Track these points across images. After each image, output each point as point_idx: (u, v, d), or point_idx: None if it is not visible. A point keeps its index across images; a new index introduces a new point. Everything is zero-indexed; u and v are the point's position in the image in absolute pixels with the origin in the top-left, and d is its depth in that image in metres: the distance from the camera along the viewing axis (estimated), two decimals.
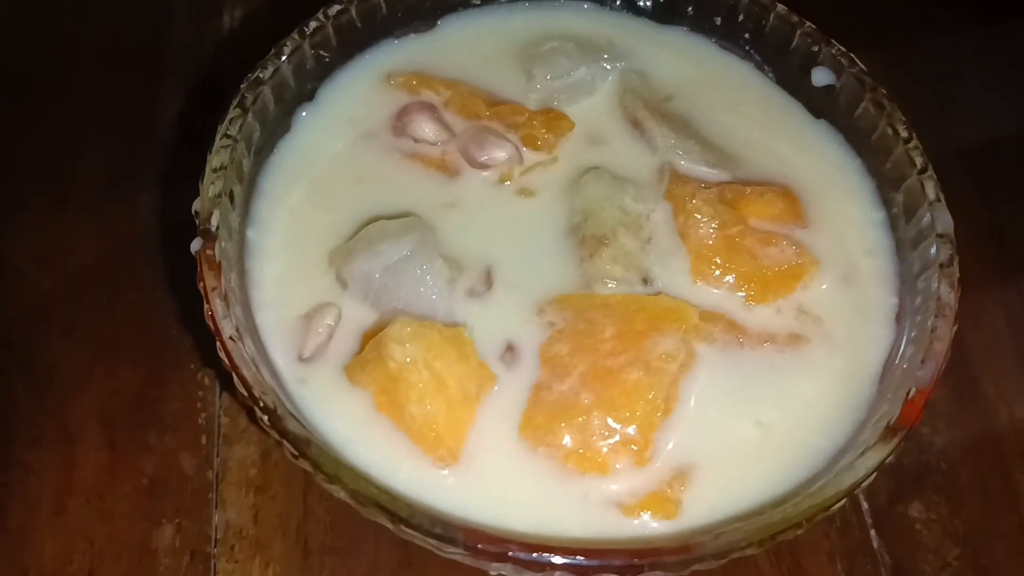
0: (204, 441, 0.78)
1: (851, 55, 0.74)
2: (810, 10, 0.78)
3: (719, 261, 0.67)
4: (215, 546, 0.74)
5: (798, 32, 0.75)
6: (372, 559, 0.73)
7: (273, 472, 0.77)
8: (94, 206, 0.89)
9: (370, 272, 0.64)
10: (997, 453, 0.82)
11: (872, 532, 0.77)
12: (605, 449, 0.60)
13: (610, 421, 0.60)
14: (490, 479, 0.61)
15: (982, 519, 0.78)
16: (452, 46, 0.79)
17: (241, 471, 0.77)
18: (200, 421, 0.79)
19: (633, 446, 0.60)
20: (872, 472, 0.57)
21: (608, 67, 0.77)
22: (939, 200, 0.66)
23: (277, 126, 0.73)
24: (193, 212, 0.64)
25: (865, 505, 0.78)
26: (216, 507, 0.75)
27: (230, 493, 0.76)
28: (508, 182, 0.72)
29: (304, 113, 0.74)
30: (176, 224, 0.70)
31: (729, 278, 0.67)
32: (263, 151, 0.71)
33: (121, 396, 0.80)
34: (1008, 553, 0.77)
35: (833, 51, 0.74)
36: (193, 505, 0.75)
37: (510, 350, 0.65)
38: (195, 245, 0.62)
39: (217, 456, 0.77)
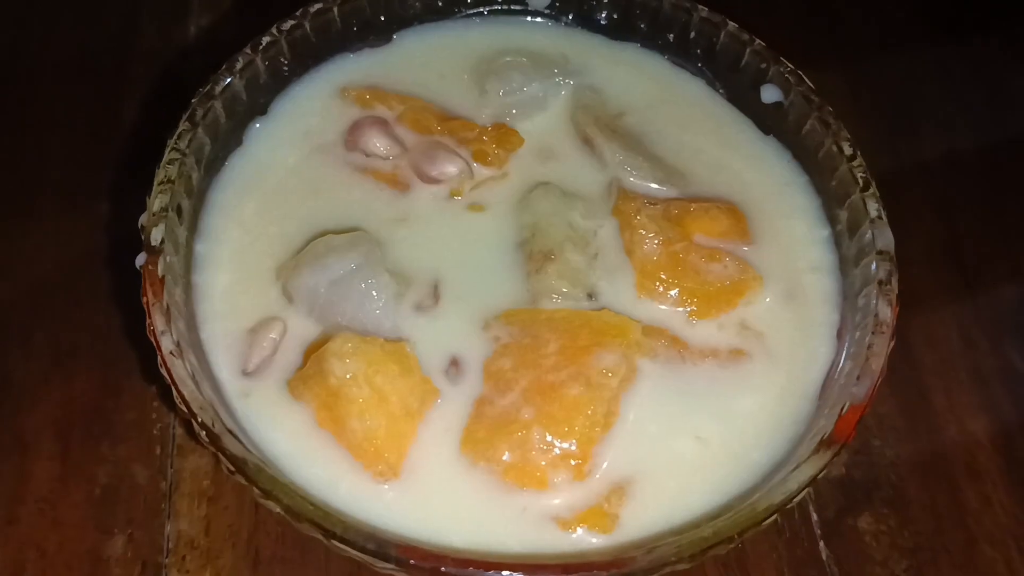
0: (158, 451, 0.79)
1: (799, 72, 0.74)
2: (771, 27, 0.79)
3: (663, 277, 0.68)
4: (167, 556, 0.74)
5: (748, 50, 0.76)
6: (322, 570, 0.74)
7: (225, 483, 0.77)
8: (55, 215, 0.89)
9: (315, 286, 0.65)
10: (947, 468, 0.82)
11: (821, 544, 0.78)
12: (544, 463, 0.61)
13: (549, 436, 0.61)
14: (430, 494, 0.61)
15: (930, 533, 0.79)
16: (407, 61, 0.79)
17: (194, 482, 0.77)
18: (154, 432, 0.79)
19: (572, 461, 0.61)
20: (804, 487, 0.57)
21: (561, 83, 0.78)
22: (880, 218, 0.67)
23: (229, 140, 0.73)
24: (139, 226, 0.64)
25: (815, 517, 0.79)
26: (168, 517, 0.75)
27: (182, 504, 0.76)
28: (458, 197, 0.73)
29: (257, 126, 0.75)
30: (134, 234, 0.70)
31: (673, 293, 0.68)
32: (214, 165, 0.72)
33: (76, 406, 0.80)
34: (955, 567, 0.78)
35: (782, 69, 0.74)
36: (145, 515, 0.76)
37: (455, 365, 0.66)
38: (139, 259, 0.62)
39: (171, 467, 0.78)
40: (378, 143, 0.73)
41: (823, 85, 0.75)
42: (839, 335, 0.68)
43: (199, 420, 0.57)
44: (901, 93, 1.05)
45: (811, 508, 0.79)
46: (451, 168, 0.72)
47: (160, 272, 0.61)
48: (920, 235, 0.95)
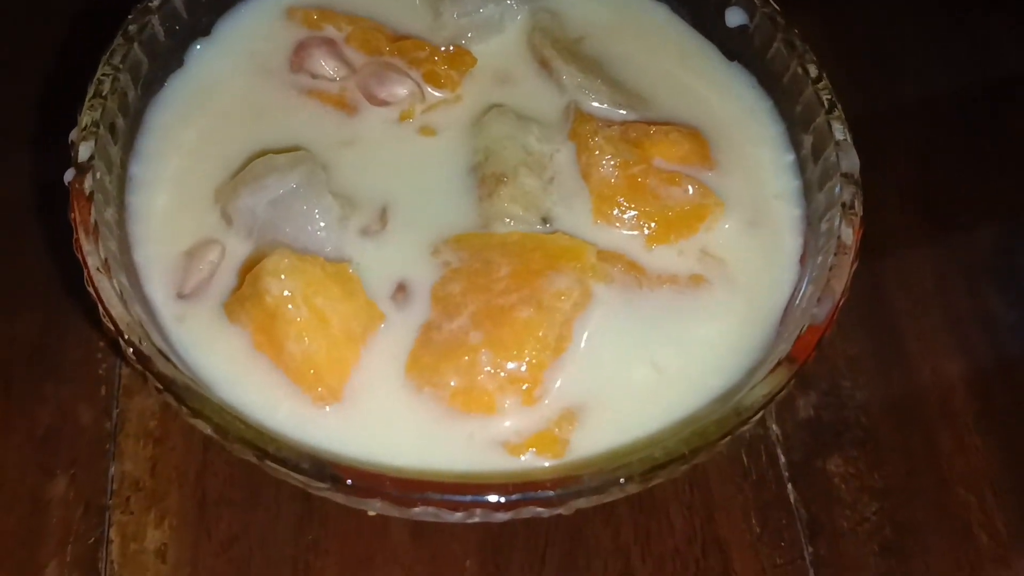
0: (103, 392, 0.76)
1: None
2: None
3: (621, 201, 0.66)
4: (110, 498, 0.72)
5: None
6: (272, 511, 0.72)
7: (172, 424, 0.75)
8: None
9: (254, 206, 0.62)
10: (920, 411, 0.80)
11: (789, 487, 0.76)
12: (492, 388, 0.58)
13: (499, 359, 0.58)
14: (373, 419, 0.59)
15: (902, 475, 0.77)
16: None
17: (140, 422, 0.75)
18: (99, 372, 0.77)
19: (522, 384, 0.59)
20: (760, 407, 0.55)
21: (516, 6, 0.75)
22: (846, 140, 0.65)
23: (168, 60, 0.70)
24: (70, 141, 0.61)
25: (782, 460, 0.77)
26: (112, 458, 0.73)
27: (128, 444, 0.74)
28: (409, 120, 0.70)
29: (198, 47, 0.72)
30: None
31: (630, 217, 0.66)
32: (152, 86, 0.69)
33: (18, 345, 0.78)
34: (927, 509, 0.76)
35: None
36: (89, 456, 0.73)
37: (401, 290, 0.63)
38: (68, 175, 0.59)
39: (116, 407, 0.75)
40: (325, 64, 0.70)
41: (799, 27, 0.72)
42: (802, 261, 0.66)
43: (125, 338, 0.54)
44: (878, 36, 1.02)
45: (779, 450, 0.77)
46: (401, 90, 0.69)
47: (88, 189, 0.58)
48: (894, 179, 0.93)
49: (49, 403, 0.75)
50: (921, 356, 0.83)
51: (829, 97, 0.66)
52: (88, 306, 0.76)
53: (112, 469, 0.72)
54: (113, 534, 0.70)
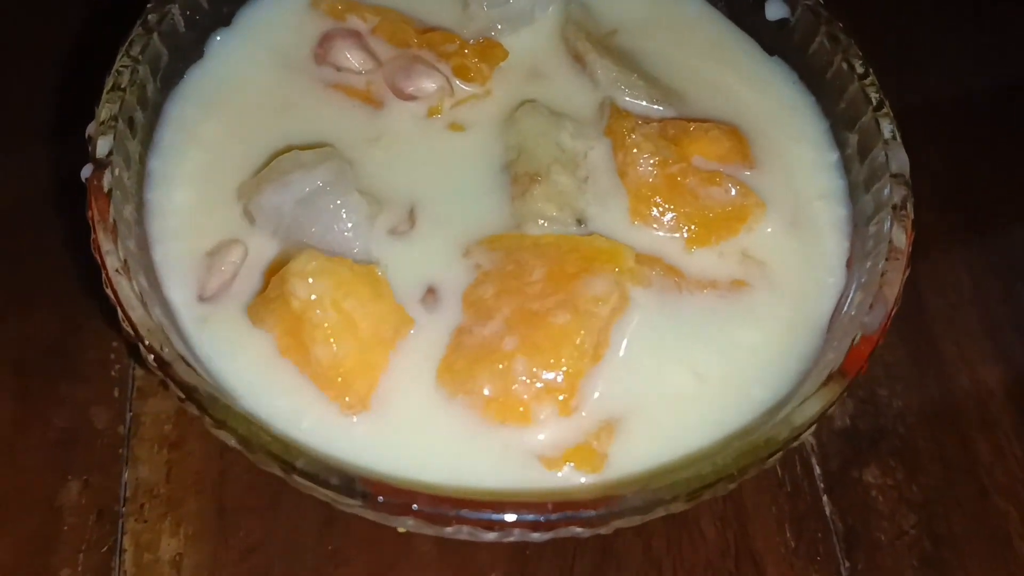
0: (117, 394, 0.74)
1: None
2: None
3: (659, 201, 0.63)
4: (123, 504, 0.69)
5: None
6: (293, 519, 0.69)
7: (188, 428, 0.72)
8: (16, 147, 0.83)
9: (280, 205, 0.59)
10: (957, 418, 0.78)
11: (824, 498, 0.74)
12: (527, 397, 0.56)
13: (534, 367, 0.56)
14: (403, 428, 0.56)
15: (940, 486, 0.75)
16: None
17: (155, 426, 0.72)
18: (113, 373, 0.75)
19: (558, 395, 0.56)
20: (811, 422, 0.52)
21: None
22: (895, 138, 0.62)
23: (188, 51, 0.67)
24: (87, 136, 0.59)
25: (817, 470, 0.75)
26: (127, 464, 0.71)
27: (142, 449, 0.71)
28: (438, 115, 0.67)
29: (219, 38, 0.69)
30: None
31: (669, 219, 0.63)
32: (172, 78, 0.66)
33: (34, 344, 0.75)
34: (966, 521, 0.74)
35: None
36: (103, 461, 0.71)
37: (431, 293, 0.60)
38: (85, 171, 0.57)
39: (130, 410, 0.73)
40: (351, 56, 0.67)
41: None
42: (848, 265, 0.64)
43: (146, 344, 0.51)
44: (906, 28, 1.00)
45: (814, 460, 0.75)
46: (429, 84, 0.67)
47: (106, 186, 0.56)
48: (926, 176, 0.89)
49: (64, 405, 0.73)
50: (958, 362, 0.81)
51: (877, 94, 0.64)
52: (104, 305, 0.74)
53: (126, 474, 0.70)
54: (127, 542, 0.68)
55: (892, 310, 0.57)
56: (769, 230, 0.64)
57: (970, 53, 0.99)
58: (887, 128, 0.62)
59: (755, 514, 0.72)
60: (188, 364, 0.52)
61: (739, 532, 0.71)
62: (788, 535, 0.71)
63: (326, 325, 0.54)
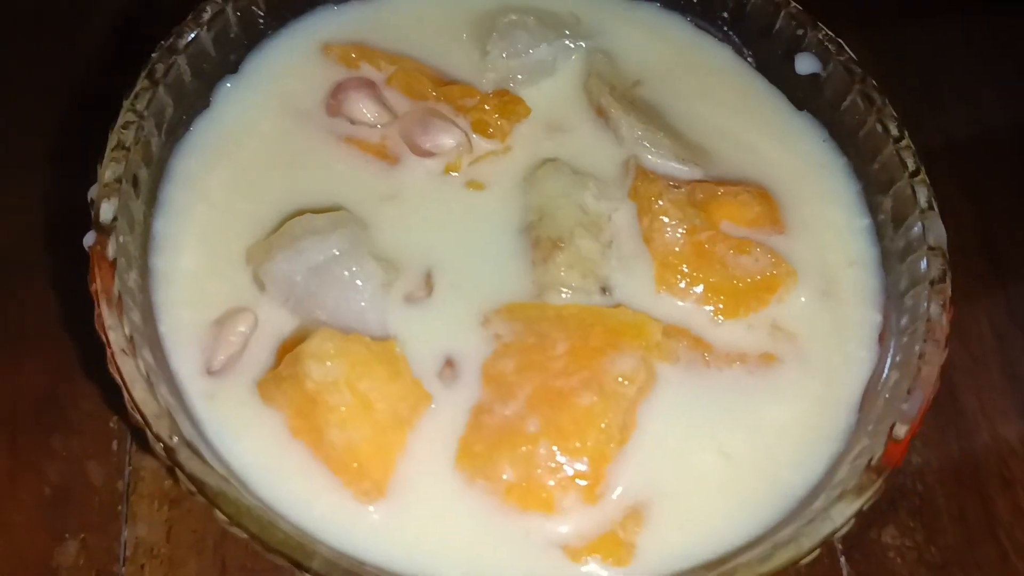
0: (115, 447, 0.71)
1: (839, 40, 0.67)
2: None
3: (686, 270, 0.61)
4: (123, 565, 0.67)
5: (782, 13, 0.68)
6: None
7: None
8: (2, 192, 0.80)
9: (291, 273, 0.57)
10: (978, 476, 0.77)
11: (842, 560, 0.72)
12: (551, 483, 0.53)
13: (557, 452, 0.54)
14: (421, 516, 0.54)
15: (960, 547, 0.73)
16: (399, 15, 0.71)
17: (155, 482, 0.70)
18: (110, 425, 0.72)
19: (583, 481, 0.54)
20: (849, 520, 0.50)
21: (572, 45, 0.70)
22: (932, 208, 0.60)
23: (194, 101, 0.64)
24: (88, 200, 0.56)
25: None
26: (126, 522, 0.68)
27: (141, 506, 0.69)
28: (455, 173, 0.65)
29: (227, 86, 0.66)
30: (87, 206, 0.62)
31: (697, 289, 0.60)
32: (177, 129, 0.63)
33: (24, 395, 0.73)
34: None
35: (820, 36, 0.67)
36: (100, 519, 0.69)
37: (450, 365, 0.58)
38: (88, 239, 0.54)
39: (128, 465, 0.71)
40: (365, 108, 0.64)
41: None
42: (881, 339, 0.61)
43: (154, 431, 0.49)
44: (926, 64, 0.98)
45: None
46: (447, 140, 0.64)
47: (111, 255, 0.53)
48: (948, 220, 0.87)
49: (57, 459, 0.70)
50: (979, 417, 0.79)
51: (913, 159, 0.62)
52: (97, 353, 0.72)
53: (125, 533, 0.68)
54: None
55: (931, 395, 0.54)
56: (802, 300, 0.62)
57: (996, 90, 0.96)
58: (923, 196, 0.60)
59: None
60: (196, 451, 0.49)
61: None
62: None
63: (342, 408, 0.52)
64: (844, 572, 0.71)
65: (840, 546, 0.72)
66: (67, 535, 0.67)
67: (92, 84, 0.84)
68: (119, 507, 0.69)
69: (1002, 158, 0.93)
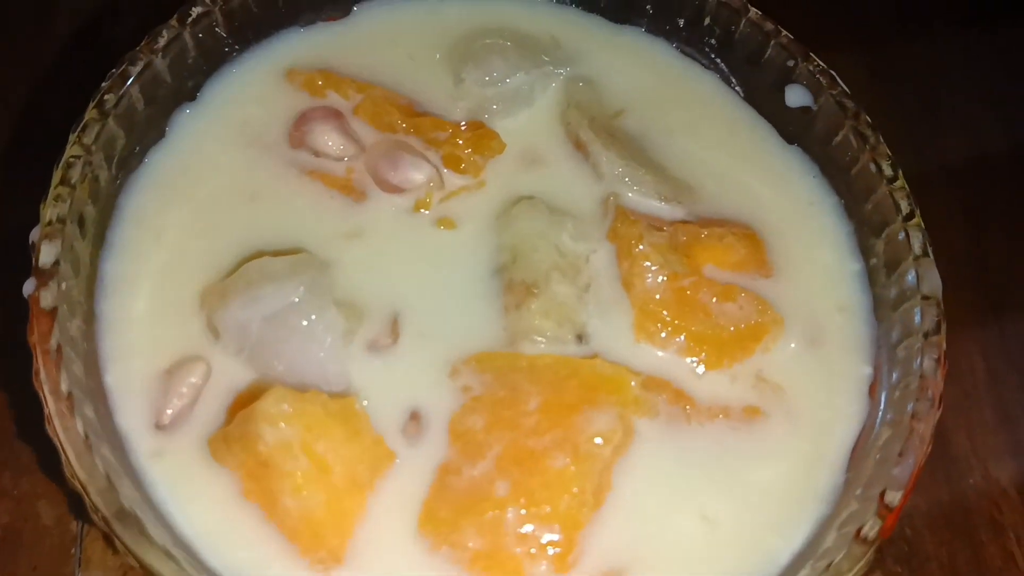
0: (68, 487, 0.67)
1: (832, 73, 0.64)
2: (784, 5, 0.69)
3: (667, 317, 0.58)
4: None
5: (772, 42, 0.65)
6: None
7: None
8: None
9: (247, 322, 0.53)
10: (968, 520, 0.75)
11: None
12: (519, 551, 0.51)
13: (528, 518, 0.51)
14: None
15: None
16: (369, 39, 0.68)
17: None
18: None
19: (554, 549, 0.51)
20: None
21: (551, 72, 0.67)
22: (927, 255, 0.57)
23: (147, 130, 0.61)
24: (30, 243, 0.52)
25: None
26: (79, 566, 0.65)
27: (95, 550, 0.66)
28: (425, 210, 0.62)
29: (186, 112, 0.63)
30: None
31: (679, 339, 0.58)
32: (129, 161, 0.60)
33: None
34: None
35: (811, 67, 0.64)
36: (51, 563, 0.65)
37: (415, 420, 0.55)
38: (27, 287, 0.51)
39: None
40: (330, 140, 0.61)
41: (839, 69, 0.66)
42: (871, 392, 0.58)
43: (91, 500, 0.45)
44: (924, 84, 0.95)
45: None
46: (417, 175, 0.61)
47: (50, 304, 0.50)
48: (943, 248, 0.85)
49: (7, 498, 0.67)
50: (971, 458, 0.77)
51: (908, 202, 0.59)
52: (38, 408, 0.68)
53: None
54: None
55: (923, 457, 0.52)
56: (792, 346, 0.59)
57: (996, 111, 0.94)
58: (917, 242, 0.58)
59: None
60: (137, 521, 0.46)
61: None
62: None
63: (297, 473, 0.49)
64: None
65: None
66: None
67: (52, 91, 0.81)
68: (72, 550, 0.66)
69: (1000, 183, 0.91)
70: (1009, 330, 0.83)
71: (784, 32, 0.65)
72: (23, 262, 0.54)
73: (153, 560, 0.44)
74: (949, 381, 0.79)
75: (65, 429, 0.47)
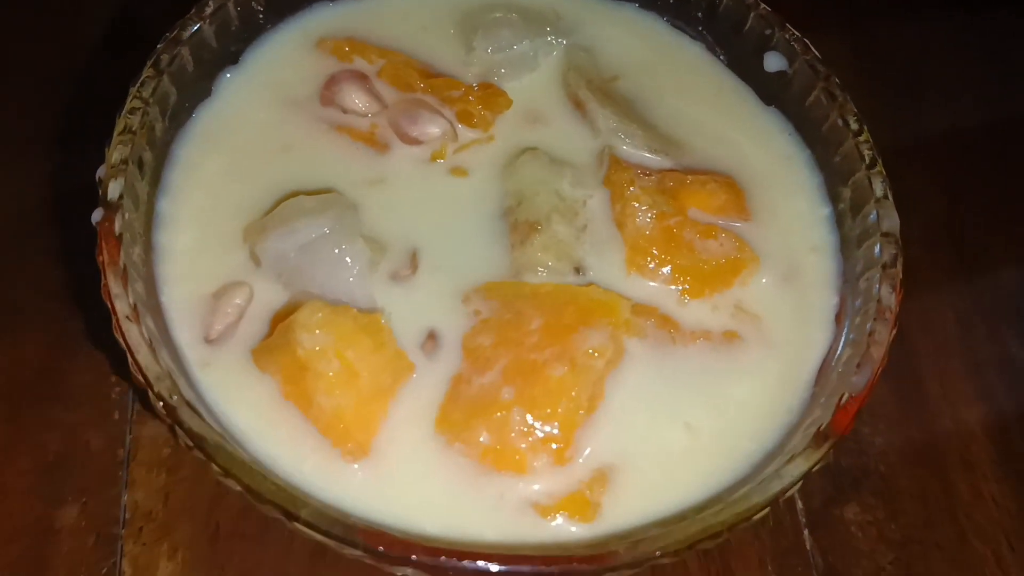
0: (116, 417, 0.75)
1: (805, 40, 0.70)
2: None
3: (655, 253, 0.64)
4: (123, 527, 0.70)
5: (752, 14, 0.72)
6: (284, 547, 0.71)
7: (186, 453, 0.72)
8: (4, 165, 0.84)
9: (284, 251, 0.60)
10: (939, 459, 0.80)
11: (805, 533, 0.75)
12: (524, 447, 0.57)
13: (530, 418, 0.57)
14: (401, 476, 0.58)
15: (920, 526, 0.76)
16: (390, 12, 0.75)
17: (153, 450, 0.73)
18: (112, 396, 0.75)
19: (554, 444, 0.58)
20: (798, 480, 0.54)
21: (553, 42, 0.74)
22: (886, 197, 0.63)
23: (196, 89, 0.68)
24: (96, 179, 0.60)
25: (800, 506, 0.76)
26: (125, 487, 0.71)
27: (140, 473, 0.72)
28: (440, 160, 0.68)
29: (228, 76, 0.70)
30: (88, 187, 0.65)
31: (665, 271, 0.64)
32: (179, 115, 0.67)
33: (26, 367, 0.76)
34: (943, 561, 0.75)
35: (787, 36, 0.70)
36: (100, 484, 0.72)
37: (432, 338, 0.62)
38: (96, 215, 0.58)
39: (129, 433, 0.74)
40: (356, 99, 0.68)
41: (825, 51, 0.72)
42: (838, 320, 0.65)
43: (155, 391, 0.53)
44: (906, 63, 1.01)
45: (796, 497, 0.76)
46: (433, 129, 0.68)
47: (117, 230, 0.57)
48: (920, 214, 0.91)
49: (58, 429, 0.73)
50: (941, 402, 0.82)
51: (870, 152, 0.65)
52: (97, 327, 0.75)
53: (125, 498, 0.71)
54: (125, 565, 0.69)
55: (878, 370, 0.58)
56: (763, 282, 0.66)
57: (970, 87, 1.00)
58: (879, 187, 0.64)
59: (738, 549, 0.74)
60: (195, 410, 0.53)
61: (722, 568, 0.73)
62: (769, 569, 0.73)
63: (330, 375, 0.56)
64: (808, 545, 0.74)
65: (804, 520, 0.76)
66: (68, 499, 0.70)
67: (94, 71, 0.88)
68: (119, 473, 0.72)
69: (975, 157, 0.96)
70: (979, 288, 0.88)
71: (763, 4, 0.72)
72: (83, 207, 0.61)
73: (211, 438, 0.51)
74: (923, 334, 0.86)
75: (132, 333, 0.54)
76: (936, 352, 0.85)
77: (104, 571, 0.69)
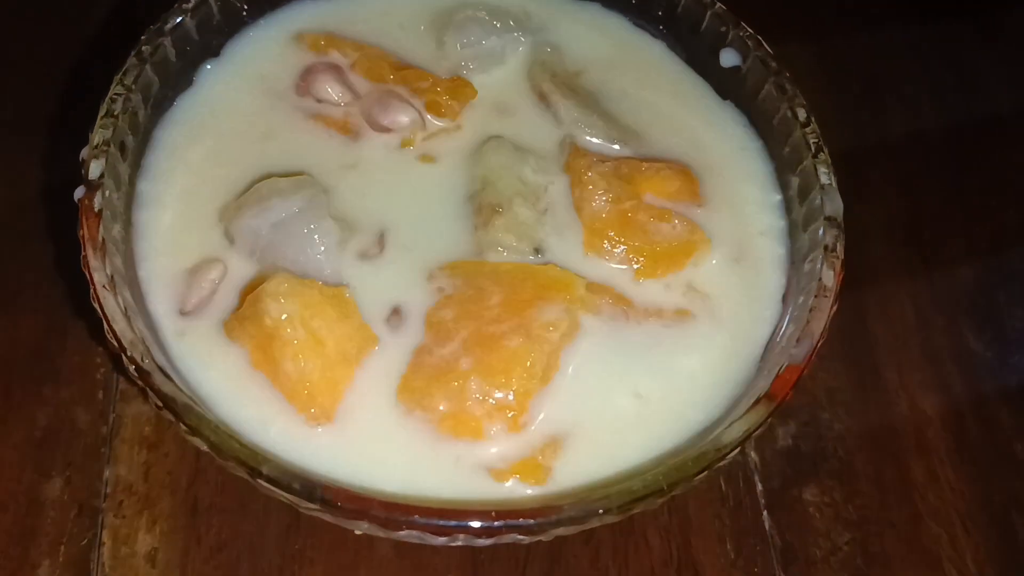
0: (100, 396, 0.78)
1: (758, 37, 0.74)
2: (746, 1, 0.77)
3: (611, 235, 0.68)
4: (104, 500, 0.73)
5: (708, 13, 0.75)
6: (260, 520, 0.73)
7: (167, 431, 0.76)
8: (3, 152, 0.87)
9: (257, 228, 0.64)
10: (895, 444, 0.82)
11: (764, 514, 0.78)
12: (480, 414, 0.60)
13: (487, 386, 0.60)
14: (363, 440, 0.61)
15: (875, 507, 0.79)
16: (367, 9, 0.78)
17: (135, 427, 0.76)
18: (98, 376, 0.78)
19: (509, 412, 0.60)
20: (738, 442, 0.57)
21: (520, 38, 0.77)
22: (831, 184, 0.67)
23: (178, 80, 0.72)
24: (80, 160, 0.63)
25: (759, 487, 0.79)
26: (108, 462, 0.74)
27: (123, 449, 0.75)
28: (410, 147, 0.72)
29: (208, 67, 0.74)
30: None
31: (620, 251, 0.67)
32: (162, 104, 0.71)
33: (19, 346, 0.79)
34: (899, 542, 0.78)
35: (741, 33, 0.74)
36: (84, 459, 0.75)
37: (396, 313, 0.65)
38: (78, 193, 0.61)
39: (113, 411, 0.77)
40: (330, 89, 0.72)
41: (789, 57, 0.74)
42: (784, 299, 0.68)
43: (128, 355, 0.56)
44: (868, 70, 1.04)
45: (756, 478, 0.79)
46: (403, 118, 0.71)
47: (97, 206, 0.60)
48: (880, 211, 0.95)
49: (48, 406, 0.77)
50: (899, 390, 0.85)
51: (816, 141, 0.69)
52: (89, 314, 0.78)
53: (107, 472, 0.74)
54: (105, 537, 0.72)
55: (818, 342, 0.61)
56: (713, 262, 0.69)
57: (929, 93, 1.03)
58: (824, 174, 0.67)
59: (699, 527, 0.76)
60: (166, 374, 0.56)
61: (682, 544, 0.75)
62: (729, 548, 0.76)
63: (295, 342, 0.59)
64: (767, 525, 0.77)
65: (763, 501, 0.78)
66: (54, 472, 0.73)
67: (92, 65, 0.91)
68: (102, 449, 0.75)
69: (934, 158, 0.99)
70: (937, 281, 0.91)
71: (719, 4, 0.75)
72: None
73: (181, 399, 0.55)
74: (883, 325, 0.89)
75: (109, 302, 0.57)
76: (895, 342, 0.87)
77: (84, 542, 0.72)
